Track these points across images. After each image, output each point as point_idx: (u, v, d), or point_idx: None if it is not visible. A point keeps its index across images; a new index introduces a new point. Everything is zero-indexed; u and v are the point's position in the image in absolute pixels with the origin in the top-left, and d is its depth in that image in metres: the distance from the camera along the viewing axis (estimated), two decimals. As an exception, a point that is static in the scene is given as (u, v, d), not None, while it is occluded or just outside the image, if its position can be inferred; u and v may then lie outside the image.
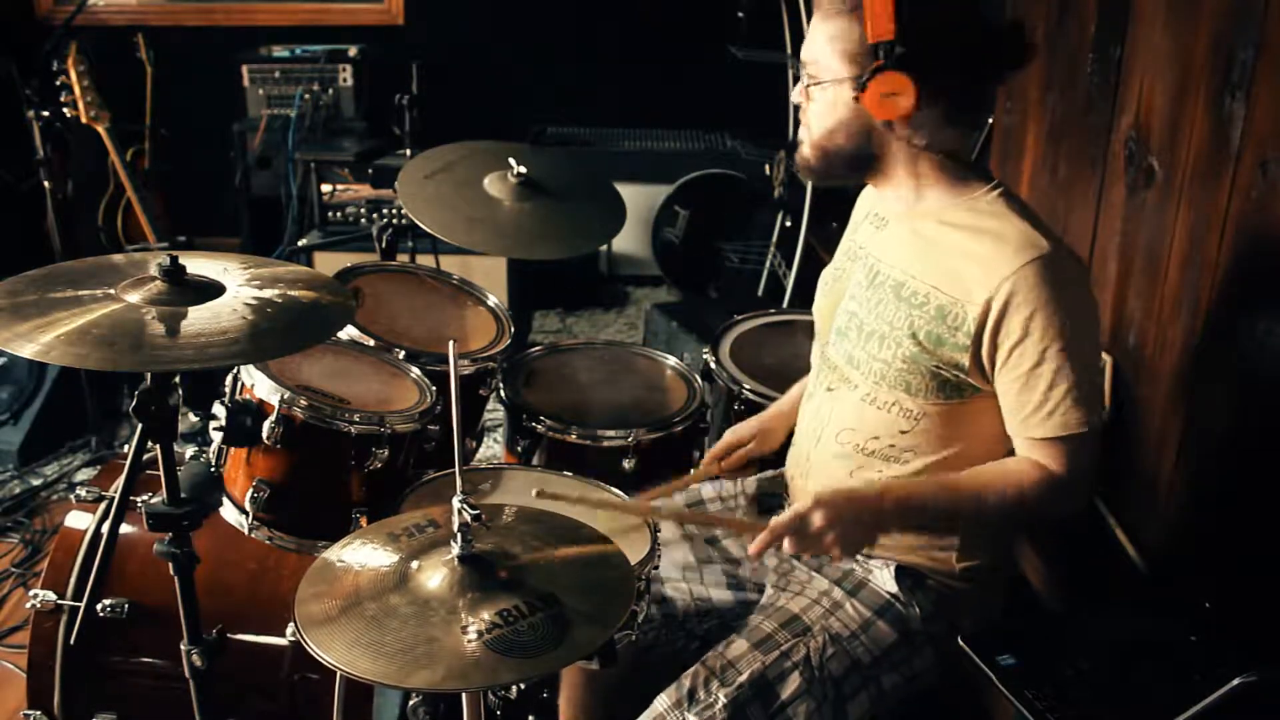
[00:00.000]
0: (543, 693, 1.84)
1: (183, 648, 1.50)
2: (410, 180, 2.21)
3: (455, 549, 1.18)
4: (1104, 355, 2.03)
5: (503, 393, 2.10)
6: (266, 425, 1.62)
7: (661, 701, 1.45)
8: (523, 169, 2.20)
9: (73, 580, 1.82)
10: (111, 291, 1.34)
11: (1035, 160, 2.53)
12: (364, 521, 1.72)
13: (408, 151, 3.19)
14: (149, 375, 1.32)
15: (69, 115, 3.30)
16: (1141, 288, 1.95)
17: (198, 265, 1.41)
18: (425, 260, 2.76)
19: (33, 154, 3.25)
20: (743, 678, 1.44)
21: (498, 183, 2.21)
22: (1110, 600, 1.85)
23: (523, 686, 1.58)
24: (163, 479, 1.42)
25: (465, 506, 1.19)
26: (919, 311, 1.45)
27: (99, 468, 2.98)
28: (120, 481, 1.52)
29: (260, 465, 1.67)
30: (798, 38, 1.47)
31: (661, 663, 1.66)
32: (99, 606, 1.80)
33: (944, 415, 1.48)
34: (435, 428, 1.81)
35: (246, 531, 1.68)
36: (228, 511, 1.72)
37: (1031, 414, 1.40)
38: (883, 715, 1.52)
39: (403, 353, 1.93)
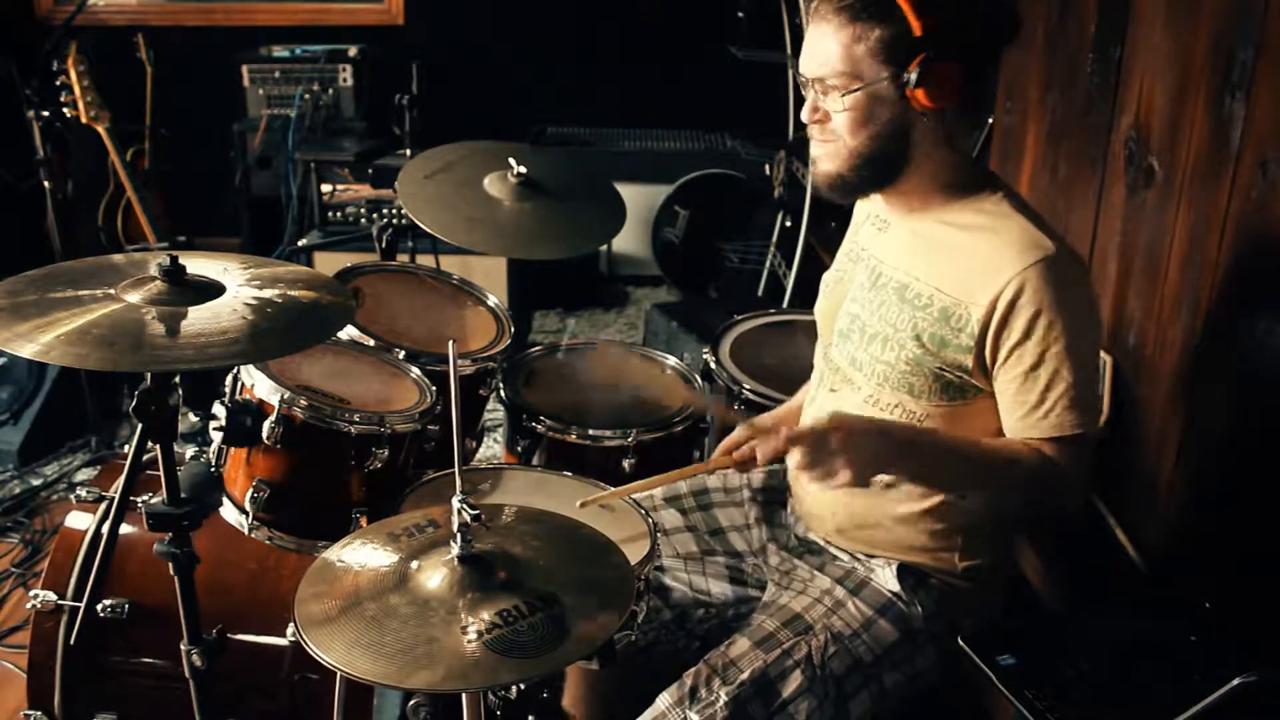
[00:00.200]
0: (543, 693, 1.84)
1: (183, 648, 1.50)
2: (410, 180, 2.21)
3: (455, 549, 1.18)
4: (1104, 355, 2.03)
5: (503, 393, 2.10)
6: (266, 425, 1.62)
7: (664, 700, 1.45)
8: (523, 169, 2.20)
9: (73, 580, 1.82)
10: (111, 291, 1.34)
11: (1035, 160, 2.53)
12: (364, 521, 1.72)
13: (408, 151, 3.19)
14: (149, 375, 1.32)
15: (69, 115, 3.29)
16: (1141, 288, 1.95)
17: (198, 265, 1.41)
18: (425, 260, 2.76)
19: (33, 154, 3.25)
20: (744, 676, 1.44)
21: (498, 183, 2.21)
22: (1110, 600, 1.85)
23: (523, 686, 1.58)
24: (163, 479, 1.42)
25: (465, 506, 1.19)
26: (922, 313, 1.45)
27: (99, 468, 2.98)
28: (120, 481, 1.52)
29: (260, 465, 1.67)
30: (798, 38, 1.46)
31: (662, 662, 1.66)
32: (99, 606, 1.80)
33: (947, 417, 1.48)
34: (435, 428, 1.81)
35: (246, 531, 1.68)
36: (228, 511, 1.72)
37: (1028, 413, 1.41)
38: (884, 714, 1.52)
39: (403, 353, 1.93)
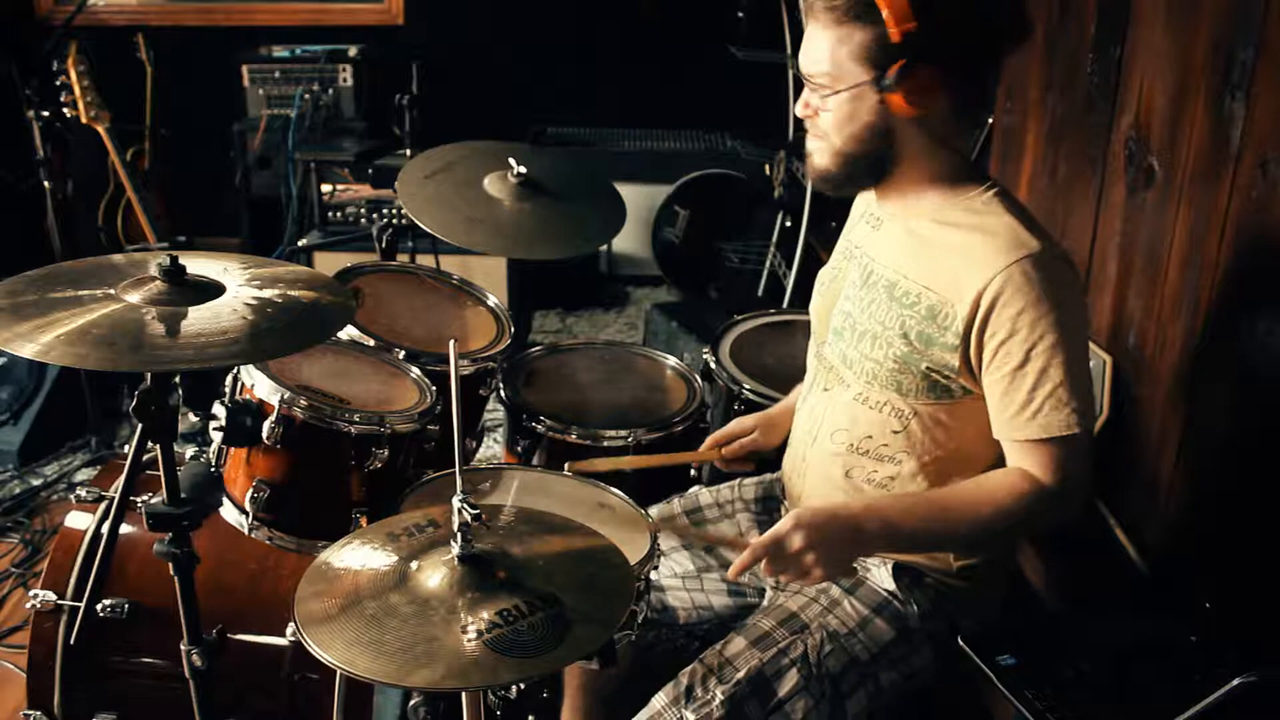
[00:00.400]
0: (543, 693, 1.84)
1: (183, 648, 1.50)
2: (410, 180, 2.21)
3: (455, 549, 1.18)
4: (1104, 355, 2.03)
5: (503, 393, 2.10)
6: (266, 425, 1.62)
7: (659, 699, 1.45)
8: (523, 169, 2.20)
9: (73, 580, 1.82)
10: (111, 291, 1.34)
11: (1035, 160, 2.53)
12: (364, 521, 1.72)
13: (408, 151, 3.19)
14: (149, 375, 1.32)
15: (69, 115, 3.30)
16: (1141, 288, 1.95)
17: (198, 265, 1.41)
18: (425, 260, 2.76)
19: (33, 154, 3.26)
20: (740, 675, 1.44)
21: (498, 183, 2.21)
22: (1110, 600, 1.85)
23: (523, 686, 1.58)
24: (163, 479, 1.42)
25: (465, 506, 1.19)
26: (910, 311, 1.45)
27: (99, 468, 2.98)
28: (120, 481, 1.52)
29: (260, 465, 1.67)
30: (797, 37, 1.46)
31: (661, 662, 1.66)
32: (99, 606, 1.80)
33: (935, 416, 1.48)
34: (435, 428, 1.81)
35: (246, 531, 1.68)
36: (228, 511, 1.72)
37: (1016, 414, 1.38)
38: (880, 712, 1.52)
39: (403, 353, 1.93)
